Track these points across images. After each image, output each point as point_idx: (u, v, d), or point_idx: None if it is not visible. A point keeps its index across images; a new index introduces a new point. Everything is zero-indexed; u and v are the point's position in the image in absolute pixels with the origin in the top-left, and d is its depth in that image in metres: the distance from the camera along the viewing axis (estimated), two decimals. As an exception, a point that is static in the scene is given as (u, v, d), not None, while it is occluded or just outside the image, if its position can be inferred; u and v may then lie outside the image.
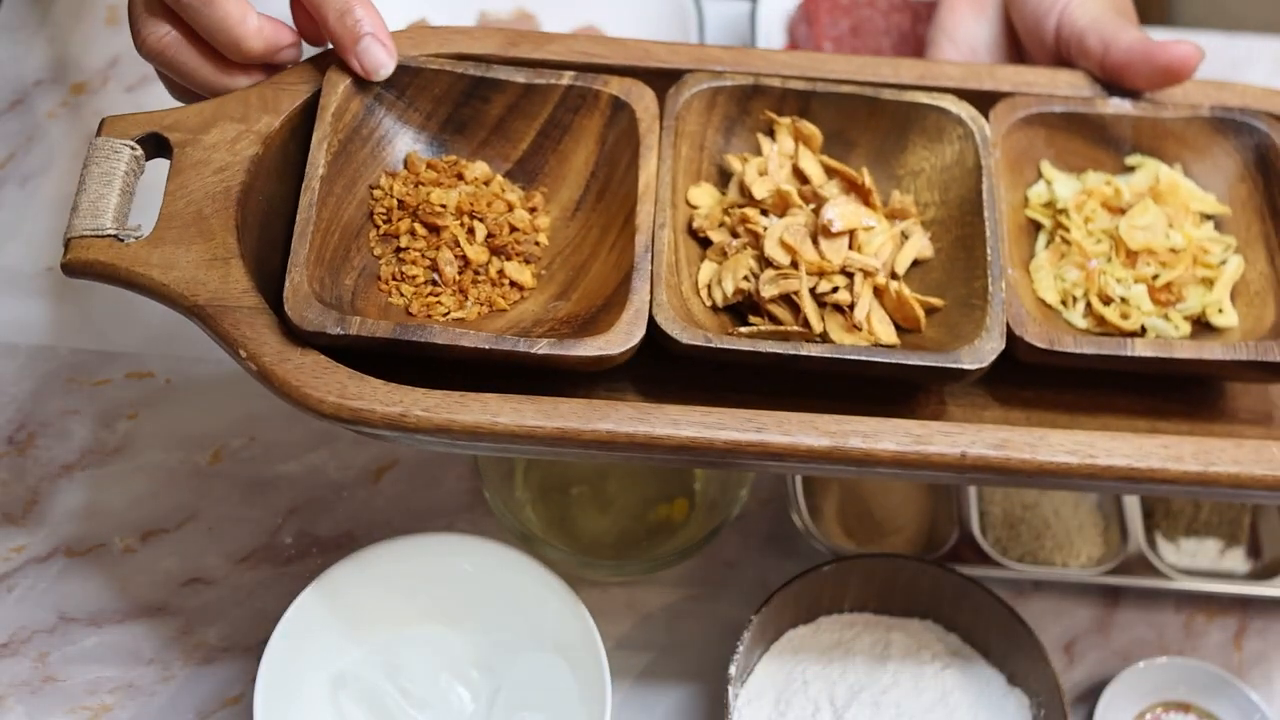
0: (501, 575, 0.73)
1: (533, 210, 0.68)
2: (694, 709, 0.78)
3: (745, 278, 0.65)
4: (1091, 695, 0.80)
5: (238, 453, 0.85)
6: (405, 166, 0.68)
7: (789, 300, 0.65)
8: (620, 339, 0.61)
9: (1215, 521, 0.86)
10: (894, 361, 0.62)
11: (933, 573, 0.76)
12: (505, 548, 0.73)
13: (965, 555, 0.81)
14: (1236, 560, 0.86)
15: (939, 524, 0.84)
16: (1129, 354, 0.64)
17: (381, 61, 0.66)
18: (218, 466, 0.84)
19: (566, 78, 0.68)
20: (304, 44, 0.69)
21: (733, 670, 0.73)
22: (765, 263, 0.65)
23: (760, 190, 0.67)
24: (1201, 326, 0.68)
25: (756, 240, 0.66)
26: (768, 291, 0.64)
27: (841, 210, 0.66)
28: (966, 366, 0.62)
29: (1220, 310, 0.68)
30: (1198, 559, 0.85)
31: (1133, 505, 0.85)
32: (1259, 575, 0.85)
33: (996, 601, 0.75)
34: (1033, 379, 0.67)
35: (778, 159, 0.69)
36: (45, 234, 0.92)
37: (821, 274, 0.65)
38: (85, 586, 0.80)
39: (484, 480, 0.77)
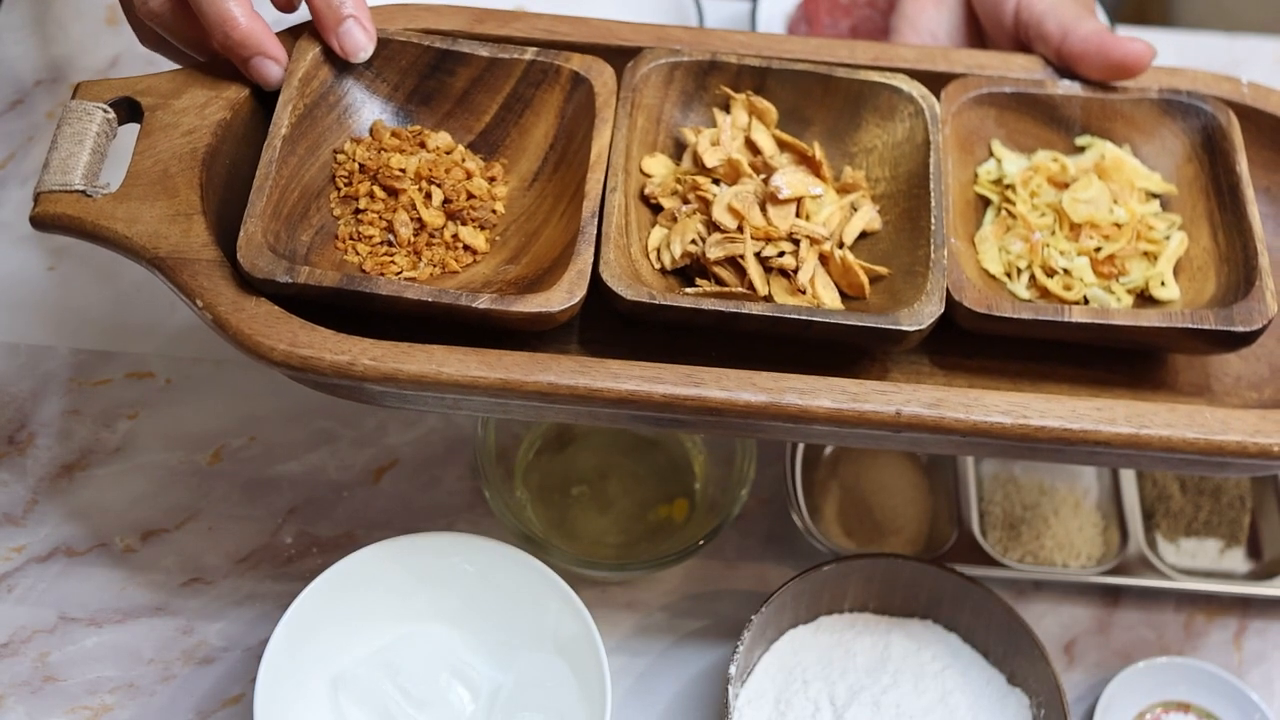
0: (501, 575, 0.73)
1: (492, 179, 0.71)
2: (694, 709, 0.78)
3: (693, 241, 0.67)
4: (1091, 695, 0.80)
5: (238, 453, 0.85)
6: (371, 134, 0.70)
7: (735, 263, 0.66)
8: (561, 297, 0.62)
9: (1215, 521, 0.86)
10: (833, 322, 0.63)
11: (933, 573, 0.76)
12: (505, 548, 0.73)
13: (965, 555, 0.82)
14: (1236, 560, 0.86)
15: (939, 524, 0.84)
16: (1066, 320, 0.65)
17: (361, 44, 0.69)
18: (218, 466, 0.84)
19: (529, 53, 0.70)
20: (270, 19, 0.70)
21: (733, 670, 0.73)
22: (713, 227, 0.67)
23: (712, 159, 0.69)
24: (1144, 300, 0.69)
25: (706, 206, 0.67)
26: (713, 254, 0.66)
27: (789, 178, 0.68)
28: (905, 328, 0.63)
29: (1163, 283, 0.69)
30: (1198, 559, 0.85)
31: (1133, 505, 0.85)
32: (1259, 575, 0.85)
33: (996, 601, 0.75)
34: (977, 348, 0.68)
35: (731, 131, 0.71)
36: (45, 234, 0.92)
37: (768, 239, 0.66)
38: (85, 586, 0.80)
39: (484, 480, 0.77)
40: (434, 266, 0.67)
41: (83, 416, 0.85)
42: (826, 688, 0.75)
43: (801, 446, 0.84)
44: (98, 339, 0.88)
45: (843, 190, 0.70)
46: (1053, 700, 0.73)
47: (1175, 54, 1.11)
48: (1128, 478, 0.86)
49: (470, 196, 0.69)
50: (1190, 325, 0.65)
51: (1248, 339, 0.65)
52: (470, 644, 0.75)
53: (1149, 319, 0.65)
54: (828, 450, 0.86)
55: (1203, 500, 0.87)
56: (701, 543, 0.76)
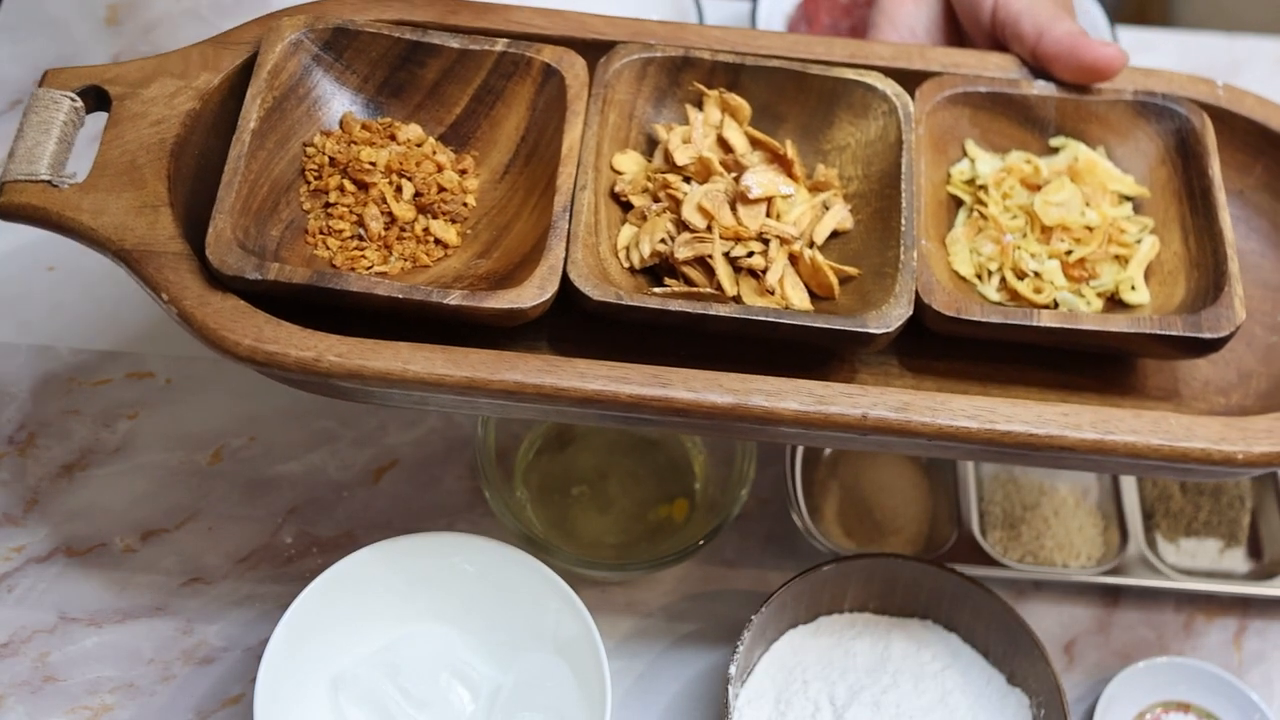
0: (501, 575, 0.73)
1: (463, 172, 0.70)
2: (694, 709, 0.78)
3: (662, 240, 0.66)
4: (1091, 695, 0.80)
5: (238, 453, 0.85)
6: (340, 126, 0.70)
7: (704, 263, 0.66)
8: (532, 294, 0.62)
9: (1215, 521, 0.86)
10: (800, 324, 0.63)
11: (933, 573, 0.76)
12: (505, 548, 0.73)
13: (965, 555, 0.82)
14: (1236, 560, 0.86)
15: (939, 524, 0.84)
16: (1034, 324, 0.65)
17: None
18: (218, 466, 0.84)
19: (500, 44, 0.70)
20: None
21: (733, 670, 0.73)
22: (682, 226, 0.67)
23: (682, 157, 0.69)
24: (1115, 303, 0.69)
25: (676, 205, 0.67)
26: (682, 254, 0.66)
27: (760, 178, 0.67)
28: (873, 331, 0.63)
29: (1133, 287, 0.69)
30: (1198, 559, 0.86)
31: (1133, 505, 0.85)
32: (1259, 575, 0.85)
33: (996, 601, 0.75)
34: (946, 351, 0.68)
35: (703, 129, 0.70)
36: (45, 234, 0.91)
37: (738, 239, 0.66)
38: (85, 586, 0.80)
39: (484, 480, 0.77)
40: (405, 261, 0.67)
41: (83, 416, 0.85)
42: (826, 688, 0.75)
43: (801, 447, 0.84)
44: (98, 339, 0.88)
45: (815, 189, 0.70)
46: (1053, 700, 0.73)
47: (1175, 54, 1.12)
48: (1127, 478, 0.86)
49: (441, 190, 0.69)
50: (1158, 331, 0.65)
51: (1215, 345, 0.65)
52: (470, 644, 0.75)
53: (1117, 324, 0.65)
54: (828, 450, 0.86)
55: (1203, 500, 0.87)
56: (701, 543, 0.76)
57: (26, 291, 0.89)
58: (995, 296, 0.69)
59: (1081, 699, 0.80)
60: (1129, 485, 0.86)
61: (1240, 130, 0.73)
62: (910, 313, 0.64)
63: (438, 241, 0.68)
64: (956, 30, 0.78)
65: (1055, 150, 0.73)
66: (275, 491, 0.84)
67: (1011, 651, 0.75)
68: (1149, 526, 0.86)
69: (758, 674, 0.76)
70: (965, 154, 0.73)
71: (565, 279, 0.63)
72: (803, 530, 0.81)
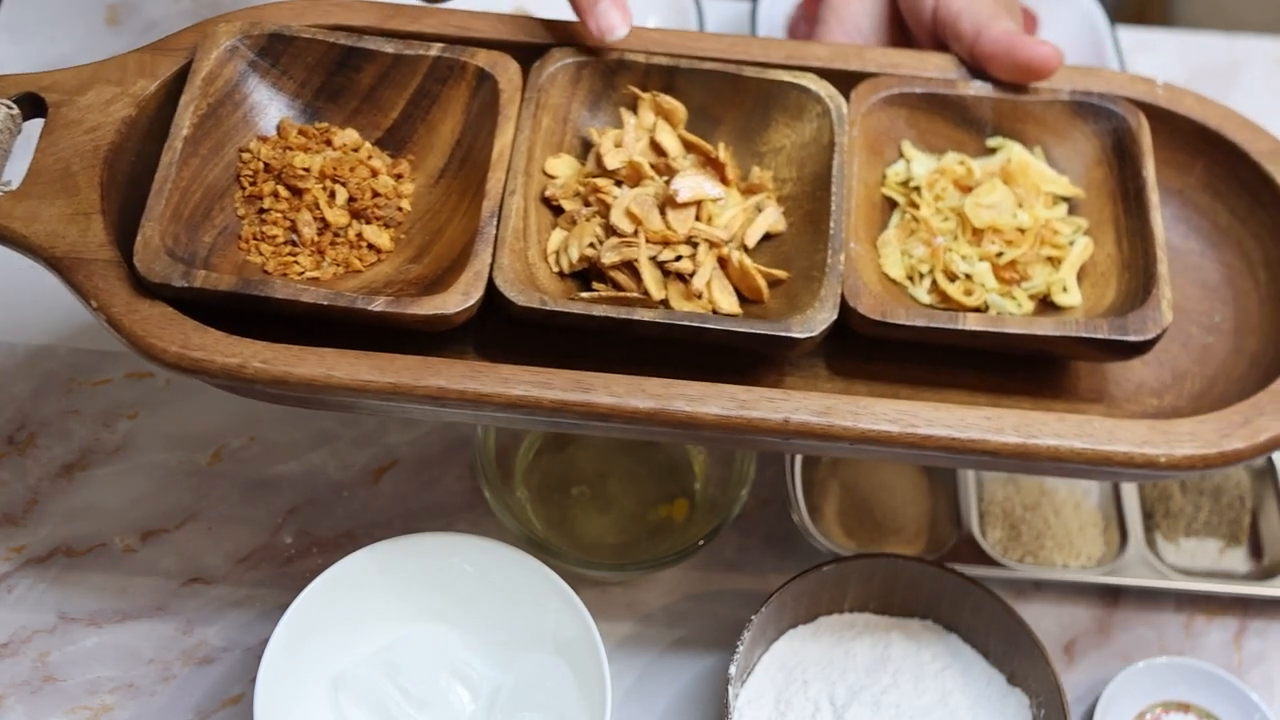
0: (501, 575, 0.73)
1: (399, 177, 0.70)
2: (694, 709, 0.78)
3: (591, 245, 0.67)
4: (1091, 695, 0.80)
5: (238, 453, 0.85)
6: (277, 132, 0.70)
7: (631, 267, 0.66)
8: (457, 299, 0.62)
9: (1215, 522, 0.86)
10: (724, 328, 0.63)
11: (933, 573, 0.76)
12: (505, 548, 0.73)
13: (965, 555, 0.82)
14: (1236, 560, 0.86)
15: (939, 524, 0.84)
16: (960, 328, 0.65)
17: (615, 24, 0.68)
18: (218, 466, 0.84)
19: (435, 49, 0.70)
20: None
21: (733, 670, 0.73)
22: (611, 231, 0.67)
23: (613, 161, 0.69)
24: (1047, 305, 0.69)
25: (606, 209, 0.67)
26: (608, 258, 0.66)
27: (688, 182, 0.67)
28: (796, 335, 0.63)
29: (1065, 289, 0.69)
30: (1198, 559, 0.85)
31: (1133, 505, 0.85)
32: (1259, 575, 0.85)
33: (996, 601, 0.75)
34: (877, 353, 0.68)
35: (635, 132, 0.70)
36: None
37: (666, 243, 0.66)
38: (85, 586, 0.80)
39: (484, 480, 0.77)
40: (338, 266, 0.67)
41: (83, 416, 0.85)
42: (826, 688, 0.75)
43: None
44: (98, 339, 0.88)
45: (749, 191, 0.70)
46: (1053, 700, 0.73)
47: (1175, 54, 1.12)
48: (1128, 478, 0.86)
49: (375, 195, 0.69)
50: (1083, 334, 0.65)
51: (1142, 348, 0.65)
52: (470, 644, 0.75)
53: (1042, 327, 0.65)
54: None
55: (1203, 500, 0.87)
56: (701, 543, 0.76)
57: (26, 292, 0.89)
58: (926, 299, 0.68)
59: (1081, 699, 0.80)
60: (1129, 486, 0.86)
61: (1180, 130, 0.73)
62: (835, 316, 0.64)
63: (371, 246, 0.68)
64: (902, 29, 0.78)
65: (993, 151, 0.73)
66: (275, 491, 0.84)
67: (1011, 651, 0.75)
68: (1149, 526, 0.86)
69: (758, 674, 0.76)
70: (901, 155, 0.73)
71: (492, 285, 0.63)
72: (803, 530, 0.81)
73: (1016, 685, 0.76)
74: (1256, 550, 0.86)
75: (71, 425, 0.85)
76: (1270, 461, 0.87)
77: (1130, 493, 0.85)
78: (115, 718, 0.76)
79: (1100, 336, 0.65)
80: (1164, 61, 1.11)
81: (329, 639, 0.73)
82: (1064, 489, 0.86)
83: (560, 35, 0.71)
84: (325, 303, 0.62)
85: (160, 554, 0.81)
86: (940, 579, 0.76)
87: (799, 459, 0.83)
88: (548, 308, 0.63)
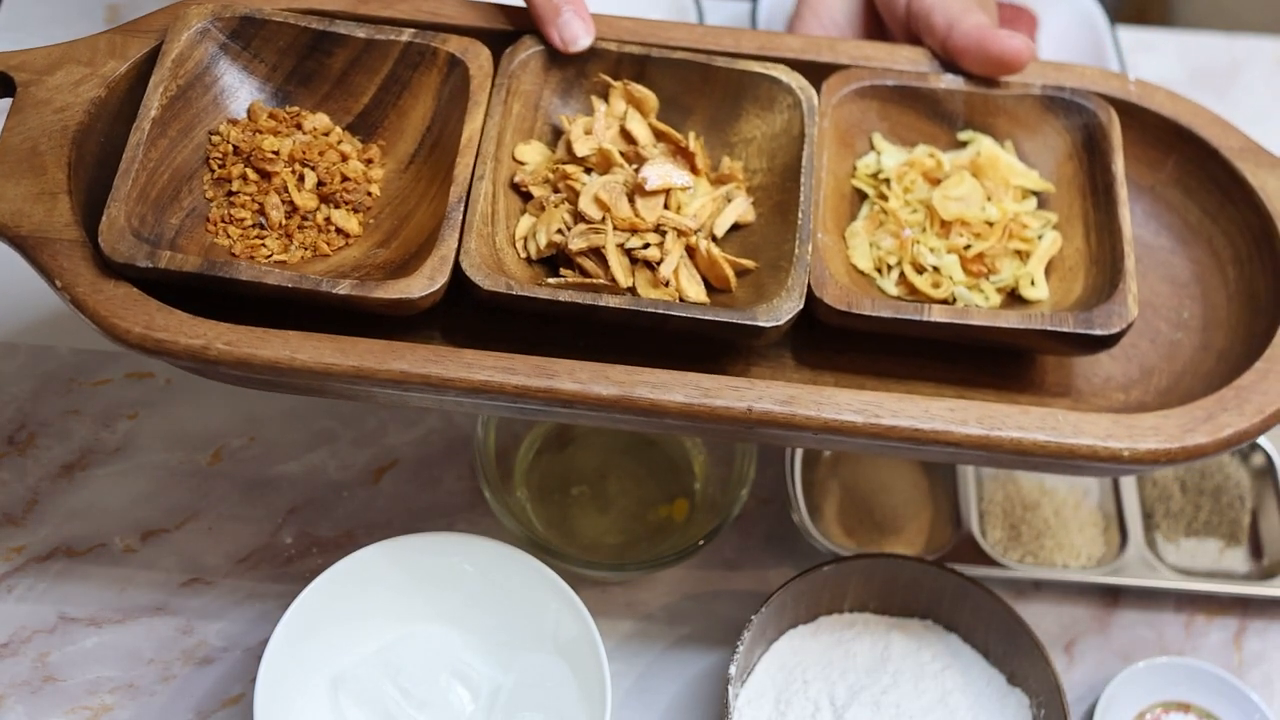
0: (501, 575, 0.73)
1: (369, 161, 0.70)
2: (694, 709, 0.78)
3: (559, 231, 0.66)
4: (1091, 695, 0.80)
5: (238, 453, 0.85)
6: (248, 115, 0.70)
7: (599, 254, 0.66)
8: (422, 284, 0.62)
9: (1215, 521, 0.86)
10: (689, 315, 0.63)
11: (933, 573, 0.76)
12: (505, 548, 0.73)
13: (965, 555, 0.82)
14: (1236, 560, 0.86)
15: (939, 524, 0.84)
16: (925, 319, 0.65)
17: (579, 34, 0.69)
18: (218, 466, 0.84)
19: (406, 34, 0.70)
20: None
21: (733, 670, 0.73)
22: (579, 217, 0.67)
23: (583, 148, 0.69)
24: (1014, 299, 0.69)
25: (575, 196, 0.67)
26: (576, 245, 0.66)
27: (657, 170, 0.67)
28: (762, 324, 0.63)
29: (1032, 283, 0.69)
30: (1198, 559, 0.85)
31: (1132, 505, 0.85)
32: (1259, 575, 0.85)
33: (996, 601, 0.75)
34: (845, 345, 0.68)
35: (605, 120, 0.70)
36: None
37: (634, 230, 0.66)
38: (85, 586, 0.80)
39: (484, 480, 0.77)
40: (305, 250, 0.67)
41: (83, 416, 0.85)
42: (826, 688, 0.75)
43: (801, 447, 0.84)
44: (98, 339, 0.88)
45: (719, 181, 0.70)
46: (1053, 700, 0.73)
47: (1175, 54, 1.12)
48: (1128, 478, 0.86)
49: (345, 179, 0.69)
50: (1049, 327, 0.65)
51: (1107, 342, 0.65)
52: (470, 644, 0.75)
53: (1008, 320, 0.65)
54: (828, 450, 0.86)
55: (1203, 500, 0.87)
56: (701, 543, 0.76)
57: (27, 292, 0.89)
58: (894, 291, 0.68)
59: (1081, 699, 0.80)
60: (1129, 485, 0.86)
61: (1152, 126, 0.73)
62: (801, 306, 0.64)
63: (339, 231, 0.68)
64: (878, 23, 0.78)
65: (964, 144, 0.73)
66: (275, 491, 0.84)
67: (1011, 651, 0.75)
68: (1149, 526, 0.86)
69: (758, 674, 0.76)
70: (872, 147, 0.73)
71: (459, 269, 0.63)
72: (803, 530, 0.81)
73: (1016, 685, 0.76)
74: (1256, 550, 0.86)
75: (71, 425, 0.85)
76: (1270, 461, 0.87)
77: (1130, 493, 0.85)
78: (115, 718, 0.76)
79: (1066, 330, 0.64)
80: (1164, 61, 1.11)
81: (329, 639, 0.73)
82: (1064, 489, 0.86)
83: (531, 22, 0.71)
84: (290, 285, 0.62)
85: (160, 554, 0.81)
86: (940, 579, 0.76)
87: (799, 459, 0.83)
88: (513, 292, 0.63)
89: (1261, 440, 0.88)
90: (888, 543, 0.84)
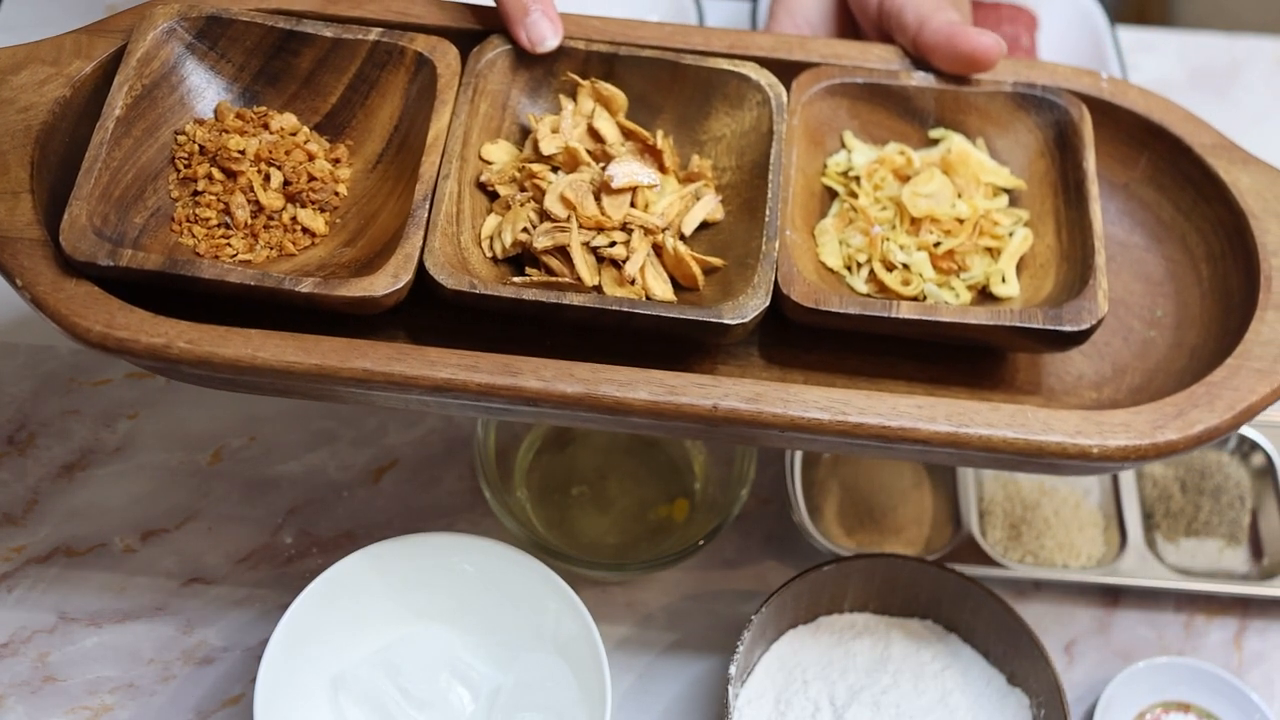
0: (501, 575, 0.73)
1: (336, 161, 0.70)
2: (694, 709, 0.78)
3: (524, 230, 0.66)
4: (1091, 695, 0.80)
5: (238, 453, 0.85)
6: (215, 115, 0.70)
7: (564, 253, 0.66)
8: (386, 282, 0.62)
9: (1215, 521, 0.86)
10: (654, 313, 0.63)
11: (933, 573, 0.76)
12: (505, 548, 0.73)
13: (965, 555, 0.82)
14: (1236, 560, 0.86)
15: (939, 524, 0.84)
16: (894, 316, 0.65)
17: (546, 35, 0.69)
18: (218, 466, 0.84)
19: (374, 34, 0.70)
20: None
21: (733, 670, 0.73)
22: (545, 216, 0.66)
23: (549, 146, 0.69)
24: (985, 296, 0.69)
25: (541, 194, 0.67)
26: (541, 243, 0.65)
27: (624, 168, 0.67)
28: (727, 321, 0.63)
29: (1003, 280, 0.68)
30: (1198, 559, 0.85)
31: (1132, 505, 0.85)
32: (1259, 575, 0.85)
33: (996, 601, 0.75)
34: (815, 343, 0.68)
35: (572, 118, 0.70)
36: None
37: (600, 229, 0.66)
38: (85, 586, 0.80)
39: (484, 480, 0.77)
40: (271, 249, 0.67)
41: (83, 416, 0.85)
42: (826, 688, 0.75)
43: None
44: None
45: (688, 179, 0.70)
46: (1053, 700, 0.73)
47: (1175, 54, 1.12)
48: (1127, 478, 0.86)
49: (312, 179, 0.69)
50: (1018, 324, 0.64)
51: (1077, 338, 0.65)
52: (470, 644, 0.75)
53: (977, 316, 0.65)
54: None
55: (1203, 500, 0.87)
56: (701, 543, 0.76)
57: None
58: (864, 288, 0.68)
59: (1081, 699, 0.80)
60: (1129, 485, 0.86)
61: (1125, 123, 0.73)
62: (767, 303, 0.63)
63: (305, 230, 0.68)
64: (851, 22, 0.78)
65: (935, 142, 0.73)
66: (275, 491, 0.84)
67: (1011, 651, 0.75)
68: (1149, 526, 0.86)
69: (758, 674, 0.76)
70: (843, 145, 0.72)
71: (423, 268, 0.63)
72: (803, 530, 0.81)
73: (1016, 685, 0.76)
74: (1256, 550, 0.86)
75: (71, 425, 0.85)
76: (1270, 461, 0.87)
77: (1130, 493, 0.85)
78: (115, 718, 0.76)
79: (1035, 326, 0.64)
80: (1164, 61, 1.11)
81: (329, 639, 0.73)
82: (1064, 489, 0.86)
83: (500, 22, 0.71)
84: (252, 283, 0.62)
85: (160, 554, 0.81)
86: (940, 579, 0.76)
87: (799, 459, 0.83)
88: (477, 291, 0.63)
89: (1261, 440, 0.88)
90: (888, 543, 0.84)
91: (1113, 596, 0.84)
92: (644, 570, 0.78)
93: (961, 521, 0.83)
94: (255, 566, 0.81)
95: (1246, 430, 0.88)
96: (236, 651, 0.78)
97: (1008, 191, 0.71)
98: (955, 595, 0.76)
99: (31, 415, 0.85)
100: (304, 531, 0.82)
